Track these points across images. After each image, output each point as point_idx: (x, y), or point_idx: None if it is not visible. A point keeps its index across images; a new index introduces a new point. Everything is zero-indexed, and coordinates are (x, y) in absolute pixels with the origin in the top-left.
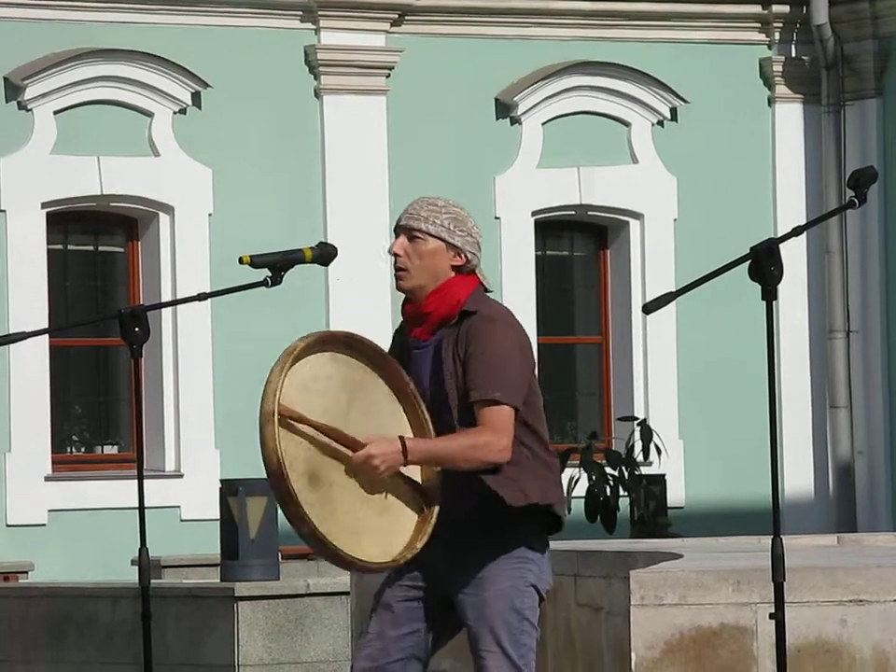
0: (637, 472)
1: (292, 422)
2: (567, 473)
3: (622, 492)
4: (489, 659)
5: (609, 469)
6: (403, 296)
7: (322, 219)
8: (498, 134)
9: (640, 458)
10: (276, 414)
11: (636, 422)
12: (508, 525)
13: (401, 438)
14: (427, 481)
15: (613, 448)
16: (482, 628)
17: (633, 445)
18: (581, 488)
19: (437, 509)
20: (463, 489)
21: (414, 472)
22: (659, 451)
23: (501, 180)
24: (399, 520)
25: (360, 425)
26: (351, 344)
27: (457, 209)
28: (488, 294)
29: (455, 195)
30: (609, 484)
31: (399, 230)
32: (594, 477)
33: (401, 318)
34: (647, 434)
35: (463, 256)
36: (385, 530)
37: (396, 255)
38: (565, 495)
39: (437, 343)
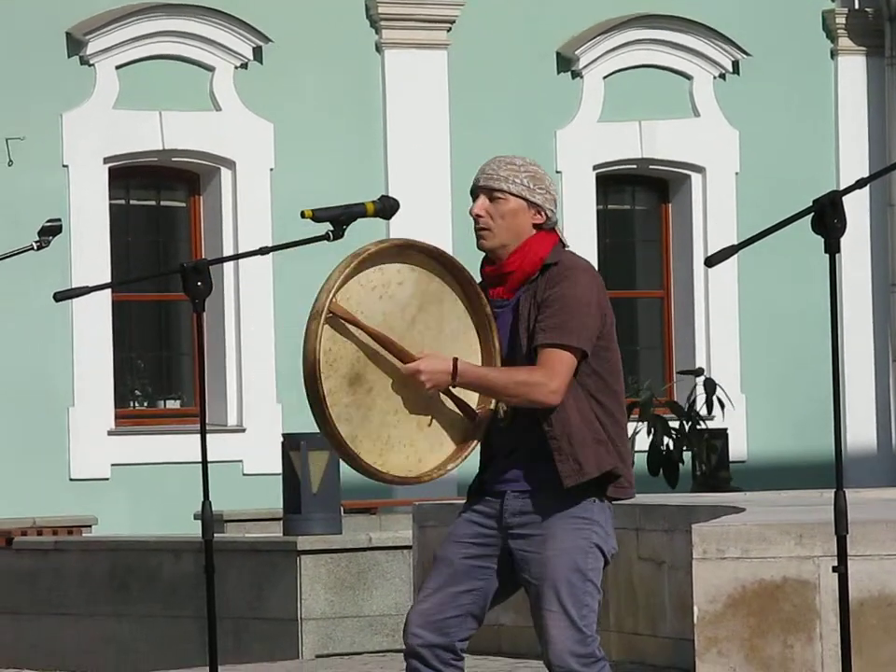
0: (698, 426)
1: (345, 322)
2: (630, 427)
3: (684, 446)
4: (549, 618)
5: (671, 423)
6: (467, 252)
7: (383, 173)
8: (560, 88)
9: (703, 412)
10: (326, 311)
11: (697, 375)
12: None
13: (455, 359)
14: (480, 411)
15: (675, 401)
16: (544, 586)
17: (694, 399)
18: (644, 442)
19: (476, 442)
20: (523, 443)
21: (471, 399)
22: (722, 404)
23: (563, 134)
24: (438, 441)
25: (422, 337)
26: (435, 257)
27: (535, 167)
28: (567, 249)
29: (515, 149)
30: (671, 438)
31: (478, 190)
32: (656, 430)
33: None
34: (710, 387)
35: (543, 213)
36: (420, 447)
37: (478, 216)
38: (627, 453)
39: (517, 299)
